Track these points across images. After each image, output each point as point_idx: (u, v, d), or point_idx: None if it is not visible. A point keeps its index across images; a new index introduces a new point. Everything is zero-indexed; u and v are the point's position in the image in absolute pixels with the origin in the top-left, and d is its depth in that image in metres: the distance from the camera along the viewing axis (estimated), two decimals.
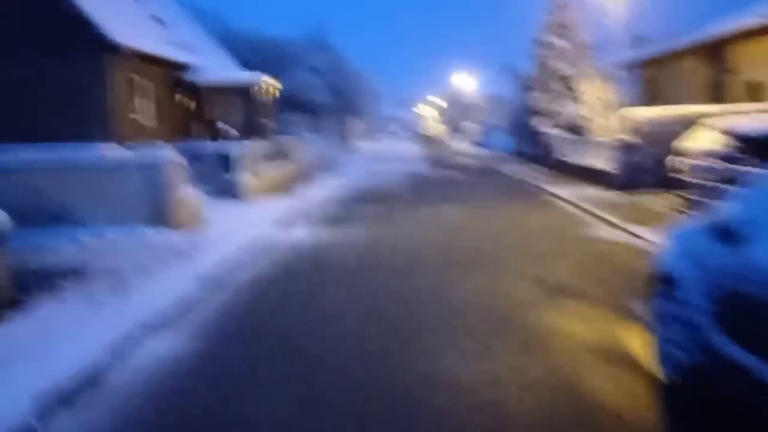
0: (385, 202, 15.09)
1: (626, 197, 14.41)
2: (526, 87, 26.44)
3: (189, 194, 11.69)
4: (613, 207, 12.91)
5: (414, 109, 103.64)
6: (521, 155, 28.86)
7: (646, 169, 15.58)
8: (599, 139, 18.43)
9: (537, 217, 12.52)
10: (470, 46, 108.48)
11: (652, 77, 21.27)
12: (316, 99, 33.34)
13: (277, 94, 22.27)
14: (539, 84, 25.26)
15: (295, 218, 12.91)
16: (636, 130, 15.90)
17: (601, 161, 17.45)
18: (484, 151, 36.42)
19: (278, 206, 14.36)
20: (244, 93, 21.27)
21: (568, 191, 15.83)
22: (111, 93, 16.36)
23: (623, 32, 20.55)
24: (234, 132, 17.45)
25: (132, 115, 17.81)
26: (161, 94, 19.29)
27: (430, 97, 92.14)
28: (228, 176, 15.47)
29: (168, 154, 11.15)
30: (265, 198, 16.02)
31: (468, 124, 54.65)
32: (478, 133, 47.00)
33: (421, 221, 12.27)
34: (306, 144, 25.07)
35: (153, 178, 10.71)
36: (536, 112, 25.06)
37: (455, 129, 61.85)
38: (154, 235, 10.23)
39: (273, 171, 18.49)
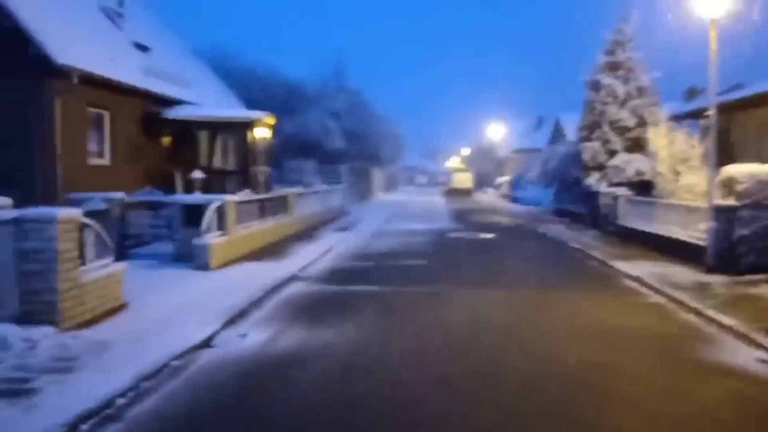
0: (393, 281, 11.11)
1: (728, 282, 10.28)
2: (578, 137, 22.49)
3: (99, 269, 7.94)
4: (724, 301, 8.79)
5: (442, 161, 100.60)
6: (563, 214, 24.79)
7: (749, 243, 11.52)
8: (681, 202, 14.36)
9: (616, 316, 8.40)
10: (505, 96, 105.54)
11: (726, 128, 17.30)
12: (330, 144, 29.84)
13: (268, 135, 18.64)
14: (591, 133, 21.37)
15: (259, 308, 8.93)
16: (737, 192, 11.87)
17: (682, 230, 13.35)
18: (517, 208, 32.39)
19: (248, 280, 10.48)
20: (237, 134, 17.78)
21: (644, 270, 11.73)
22: (51, 126, 12.86)
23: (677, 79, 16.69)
24: (199, 175, 13.77)
25: (87, 157, 14.31)
26: (131, 133, 15.83)
27: (460, 149, 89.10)
28: (192, 236, 11.72)
29: (69, 210, 7.46)
30: (240, 265, 12.21)
31: (500, 179, 50.83)
32: (509, 187, 43.07)
33: (435, 324, 8.12)
34: (312, 195, 21.40)
35: (29, 244, 6.98)
36: (587, 166, 21.10)
37: (485, 182, 58.05)
38: (18, 340, 6.49)
39: (260, 228, 14.72)
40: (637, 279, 11.14)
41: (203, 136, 17.42)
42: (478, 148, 73.95)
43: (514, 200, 38.95)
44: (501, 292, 9.92)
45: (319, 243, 16.25)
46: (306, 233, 18.39)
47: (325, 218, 22.98)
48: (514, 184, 42.70)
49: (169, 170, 16.84)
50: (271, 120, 17.97)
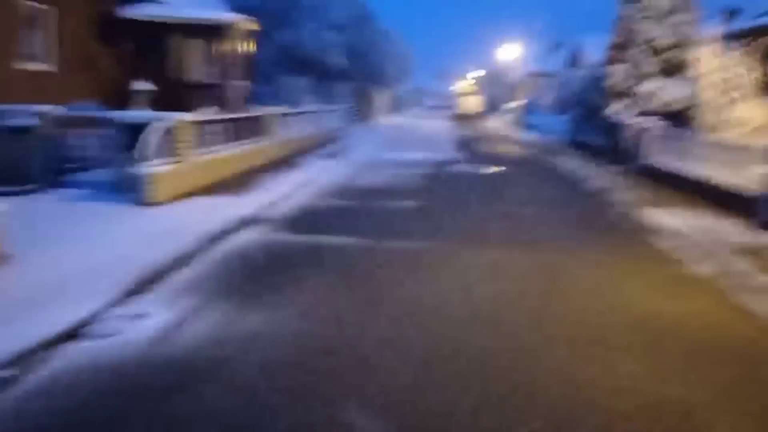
0: (374, 231, 8.97)
1: None
2: (605, 58, 19.73)
3: None
4: None
5: (452, 83, 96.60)
6: (580, 146, 22.37)
7: None
8: (728, 139, 12.01)
9: (655, 297, 6.22)
10: (519, 17, 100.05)
11: None
12: (330, 60, 27.09)
13: (249, 44, 16.04)
14: (619, 54, 18.67)
15: (186, 267, 6.80)
16: None
17: (729, 174, 11.07)
18: (530, 136, 29.89)
19: (190, 223, 8.39)
20: (209, 41, 15.26)
21: (683, 222, 9.56)
22: None
23: None
24: (145, 87, 11.38)
25: (16, 60, 11.97)
26: (82, 35, 13.38)
27: (471, 72, 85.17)
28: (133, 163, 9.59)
29: None
30: (192, 200, 10.11)
31: (512, 104, 47.88)
32: (521, 113, 40.31)
33: (413, 306, 6.04)
34: (301, 116, 19.05)
35: None
36: (611, 92, 18.53)
37: (496, 107, 55.06)
38: None
39: (227, 155, 12.54)
40: (675, 235, 8.98)
41: (170, 41, 14.93)
42: (490, 71, 70.33)
43: (526, 127, 36.34)
44: (503, 252, 7.76)
45: (298, 173, 14.08)
46: (288, 160, 16.19)
47: (316, 142, 20.70)
48: (527, 111, 39.94)
49: (127, 82, 14.46)
50: (251, 25, 15.43)
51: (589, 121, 21.76)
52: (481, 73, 77.22)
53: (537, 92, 50.75)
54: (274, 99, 23.56)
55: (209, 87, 14.84)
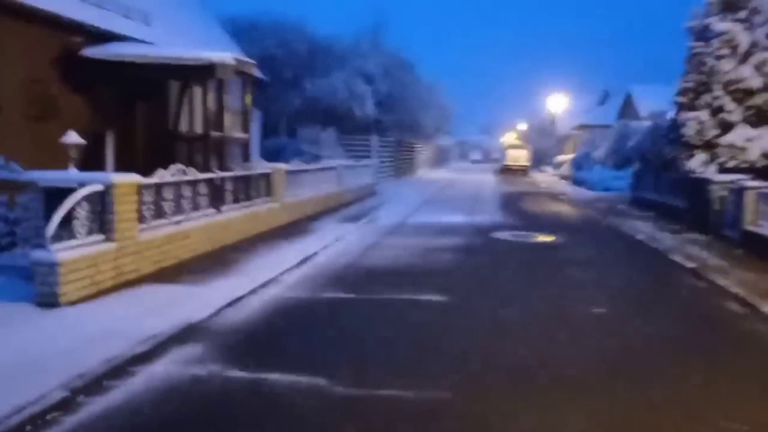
0: (385, 351, 5.94)
1: None
2: (675, 104, 16.51)
3: None
4: None
5: (498, 137, 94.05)
6: (646, 205, 19.00)
7: None
8: None
9: None
10: (563, 68, 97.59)
11: None
12: (359, 111, 24.59)
13: (245, 89, 13.41)
14: (695, 99, 15.49)
15: None
16: None
17: None
18: (583, 193, 26.56)
19: (87, 346, 5.45)
20: (203, 85, 12.77)
21: None
22: None
23: None
24: (74, 140, 8.52)
25: None
26: (41, 77, 11.01)
27: (517, 124, 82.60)
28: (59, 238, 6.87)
29: None
30: (127, 295, 7.30)
31: (560, 157, 44.72)
32: (572, 167, 37.02)
33: None
34: (318, 173, 16.36)
35: None
36: (688, 144, 15.28)
37: (543, 161, 51.90)
38: None
39: (199, 225, 9.79)
40: None
41: (160, 86, 12.50)
42: (536, 123, 67.54)
43: (578, 183, 33.02)
44: (575, 407, 4.62)
45: (301, 245, 11.19)
46: (295, 227, 13.38)
47: (338, 202, 17.94)
48: (578, 164, 36.64)
49: (100, 132, 12.02)
50: (246, 67, 12.87)
51: (656, 176, 18.47)
52: (527, 125, 74.47)
53: (587, 145, 47.48)
54: (297, 154, 21.13)
55: (197, 140, 12.24)
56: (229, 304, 7.35)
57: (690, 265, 10.33)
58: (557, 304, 7.66)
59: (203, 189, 10.28)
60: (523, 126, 76.80)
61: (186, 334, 6.24)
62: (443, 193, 24.67)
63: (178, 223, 9.49)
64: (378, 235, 12.95)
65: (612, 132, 40.47)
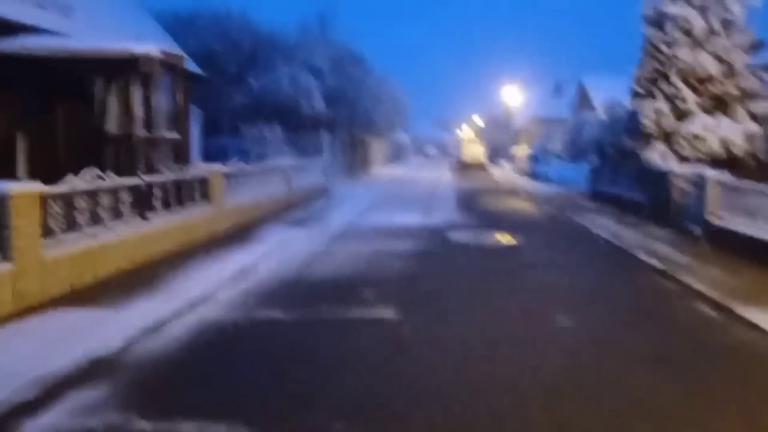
0: (322, 385, 5.06)
1: None
2: (631, 93, 15.99)
3: None
4: None
5: (453, 132, 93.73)
6: (605, 199, 18.54)
7: None
8: None
9: None
10: (514, 61, 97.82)
11: None
12: (307, 107, 23.54)
13: (177, 84, 12.28)
14: (652, 87, 14.99)
15: None
16: None
17: None
18: (542, 187, 26.11)
19: None
20: (116, 81, 11.59)
21: None
22: None
23: None
24: None
25: None
26: None
27: (472, 119, 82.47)
28: None
29: None
30: (23, 326, 6.20)
31: (517, 151, 44.50)
32: (529, 161, 36.72)
33: None
34: (262, 174, 15.34)
35: None
36: (646, 134, 14.77)
37: (499, 155, 51.66)
38: None
39: (117, 239, 8.71)
40: None
41: (84, 83, 11.27)
42: (491, 116, 67.37)
43: (535, 176, 32.69)
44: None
45: (240, 255, 10.19)
46: (237, 234, 12.35)
47: (286, 204, 16.93)
48: (535, 158, 36.36)
49: (9, 135, 10.78)
50: (176, 60, 11.76)
51: (615, 169, 18.01)
52: (482, 119, 74.31)
53: (543, 138, 47.36)
54: (241, 154, 19.99)
55: (128, 141, 11.08)
56: (147, 331, 6.37)
57: (656, 264, 9.72)
58: (519, 318, 6.87)
59: (126, 196, 9.19)
60: (478, 119, 76.63)
61: (89, 372, 5.26)
62: (398, 191, 23.84)
63: (95, 235, 8.41)
64: (326, 240, 12.02)
65: (567, 125, 40.38)
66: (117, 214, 8.97)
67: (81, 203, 8.20)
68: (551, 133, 45.35)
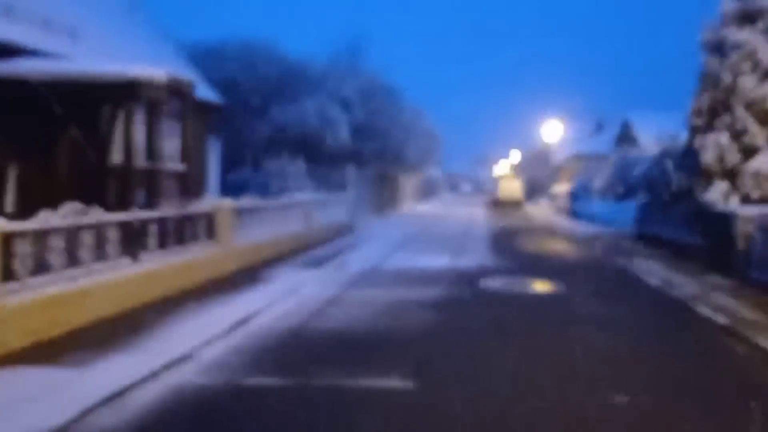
0: None
1: None
2: (689, 127, 14.53)
3: None
4: None
5: (491, 168, 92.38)
6: (654, 242, 16.94)
7: None
8: None
9: None
10: (556, 97, 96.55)
11: None
12: (332, 139, 22.58)
13: (185, 111, 11.33)
14: (712, 121, 13.55)
15: None
16: None
17: None
18: (582, 227, 24.51)
19: None
20: (107, 108, 10.70)
21: None
22: None
23: None
24: None
25: None
26: None
27: (509, 155, 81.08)
28: None
29: None
30: None
31: (556, 189, 42.94)
32: (568, 199, 35.10)
33: None
34: (277, 211, 14.27)
35: None
36: (707, 172, 13.28)
37: (538, 192, 50.09)
38: None
39: (91, 284, 7.62)
40: None
41: (72, 111, 10.42)
42: (529, 153, 65.88)
43: (575, 216, 31.07)
44: None
45: (241, 302, 9.02)
46: (245, 275, 11.22)
47: (307, 242, 15.82)
48: (575, 196, 34.75)
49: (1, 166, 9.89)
50: (185, 85, 10.83)
51: (666, 210, 16.47)
52: (520, 156, 72.82)
53: (583, 175, 45.74)
54: (262, 189, 19.06)
55: (126, 173, 10.12)
56: (109, 399, 5.21)
57: (721, 320, 8.23)
58: (563, 393, 5.48)
59: (114, 234, 8.13)
60: (516, 155, 75.11)
61: None
62: (427, 231, 22.55)
63: (73, 279, 7.34)
64: (342, 285, 10.77)
65: (610, 161, 38.75)
66: (102, 254, 7.91)
67: (56, 242, 7.15)
68: (592, 170, 43.74)
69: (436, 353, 6.71)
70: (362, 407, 5.13)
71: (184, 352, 6.53)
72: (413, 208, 38.09)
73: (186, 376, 5.90)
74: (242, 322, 7.88)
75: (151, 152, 10.10)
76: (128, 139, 9.63)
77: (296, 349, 6.84)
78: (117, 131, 10.02)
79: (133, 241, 8.51)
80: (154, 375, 5.85)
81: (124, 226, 8.39)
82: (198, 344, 6.84)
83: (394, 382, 5.71)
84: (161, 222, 9.35)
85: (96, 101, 9.82)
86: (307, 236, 16.05)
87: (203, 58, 21.38)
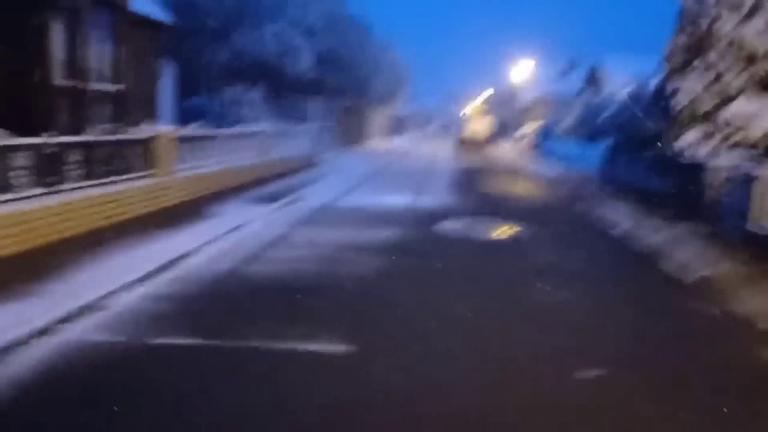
0: None
1: None
2: (664, 69, 13.80)
3: None
4: None
5: (461, 106, 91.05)
6: (624, 187, 16.46)
7: None
8: None
9: None
10: (529, 36, 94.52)
11: None
12: (294, 67, 21.32)
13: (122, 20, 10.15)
14: (688, 62, 12.83)
15: None
16: None
17: None
18: (550, 168, 23.97)
19: None
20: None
21: None
22: None
23: None
24: None
25: None
26: None
27: (481, 93, 79.87)
28: None
29: None
30: None
31: (525, 128, 42.31)
32: (538, 140, 34.51)
33: None
34: (225, 141, 13.34)
35: None
36: (680, 117, 12.66)
37: (507, 131, 49.42)
38: None
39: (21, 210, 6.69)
40: None
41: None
42: (500, 91, 64.88)
43: (542, 155, 30.52)
44: None
45: (176, 239, 8.23)
46: (188, 209, 10.40)
47: (263, 175, 15.02)
48: (543, 136, 34.16)
49: None
50: None
51: (635, 154, 15.92)
52: (491, 93, 71.72)
53: (553, 115, 45.09)
54: (219, 117, 17.98)
55: (66, 92, 9.00)
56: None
57: (693, 276, 7.74)
58: (517, 362, 4.89)
59: (21, 161, 7.18)
60: (488, 94, 73.94)
61: None
62: (391, 167, 21.76)
63: None
64: (291, 223, 10.03)
65: (580, 101, 38.10)
66: (5, 185, 6.97)
67: None
68: (561, 112, 43.11)
69: (378, 308, 6.05)
70: (283, 376, 4.46)
71: (93, 299, 5.77)
72: (380, 144, 37.13)
73: (83, 331, 5.13)
74: (171, 263, 7.12)
75: (74, 69, 9.00)
76: (43, 54, 8.51)
77: (222, 299, 6.11)
78: (35, 46, 8.86)
79: (48, 169, 7.57)
80: (44, 330, 5.06)
81: (35, 152, 7.43)
82: (114, 289, 6.08)
83: (329, 345, 5.04)
84: (85, 148, 8.38)
85: (5, 10, 8.62)
86: (262, 169, 15.18)
87: None
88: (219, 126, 15.90)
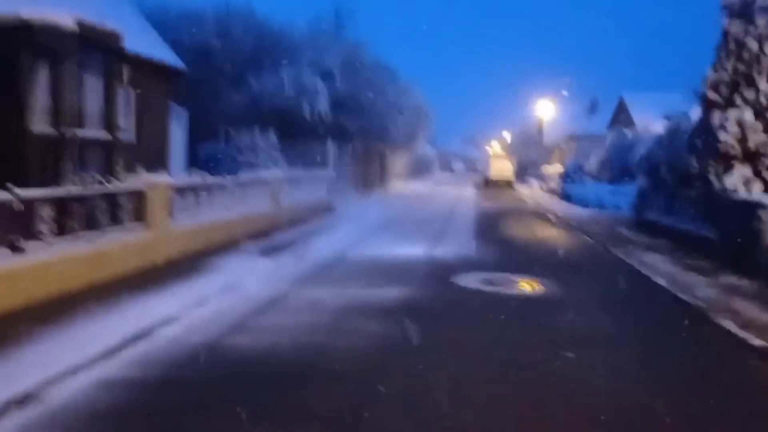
0: None
1: None
2: (703, 102, 12.67)
3: None
4: None
5: (481, 147, 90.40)
6: (655, 230, 15.19)
7: None
8: None
9: None
10: (549, 77, 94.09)
11: None
12: (310, 113, 20.61)
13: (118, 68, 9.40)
14: (732, 95, 11.72)
15: None
16: None
17: None
18: (575, 210, 22.72)
19: None
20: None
21: None
22: None
23: None
24: None
25: None
26: None
27: (501, 135, 79.28)
28: None
29: None
30: None
31: (548, 169, 41.22)
32: (560, 180, 33.25)
33: None
34: (234, 189, 12.49)
35: None
36: (725, 154, 11.48)
37: (529, 172, 48.34)
38: None
39: None
40: None
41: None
42: (522, 133, 64.01)
43: (568, 198, 29.29)
44: None
45: (155, 304, 7.23)
46: (181, 266, 9.44)
47: (272, 224, 14.05)
48: (568, 177, 32.92)
49: None
50: (105, 36, 8.89)
51: (672, 195, 14.71)
52: (512, 135, 70.95)
53: (578, 154, 43.98)
54: (233, 163, 17.27)
55: (21, 141, 8.22)
56: None
57: (754, 340, 6.51)
58: None
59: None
60: (509, 135, 73.19)
61: None
62: (409, 212, 20.71)
63: None
64: (291, 280, 8.99)
65: (605, 141, 36.96)
66: None
67: None
68: (585, 151, 41.98)
69: (378, 396, 4.91)
70: None
71: (28, 387, 4.72)
72: (401, 187, 36.25)
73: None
74: (141, 335, 6.09)
75: (58, 115, 8.22)
76: (22, 99, 7.74)
77: (187, 388, 4.98)
78: (13, 90, 8.14)
79: (10, 227, 6.68)
80: None
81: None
82: (60, 371, 5.04)
83: None
84: (61, 202, 7.50)
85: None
86: (273, 217, 14.26)
87: (176, 21, 19.48)
88: (232, 172, 15.15)
